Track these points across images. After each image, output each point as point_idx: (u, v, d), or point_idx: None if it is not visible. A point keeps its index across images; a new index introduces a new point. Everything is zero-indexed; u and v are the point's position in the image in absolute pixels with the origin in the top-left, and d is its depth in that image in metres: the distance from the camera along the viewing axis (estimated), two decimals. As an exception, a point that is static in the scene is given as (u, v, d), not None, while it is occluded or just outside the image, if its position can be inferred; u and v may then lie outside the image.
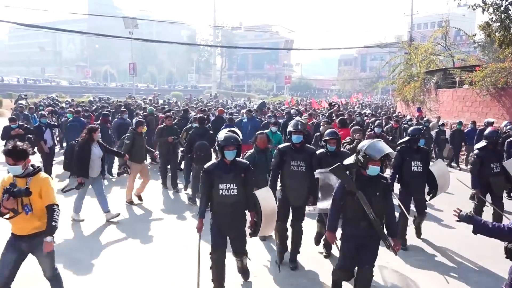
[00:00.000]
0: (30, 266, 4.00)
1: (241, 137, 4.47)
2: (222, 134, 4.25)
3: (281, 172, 5.05)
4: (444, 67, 17.98)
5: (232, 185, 4.11)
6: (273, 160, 5.20)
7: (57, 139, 13.54)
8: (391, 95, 42.60)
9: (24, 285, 4.32)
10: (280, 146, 5.24)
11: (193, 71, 79.71)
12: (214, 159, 4.52)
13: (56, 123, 12.67)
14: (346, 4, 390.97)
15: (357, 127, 8.16)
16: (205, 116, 9.78)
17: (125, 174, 7.71)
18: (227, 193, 4.10)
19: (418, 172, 5.81)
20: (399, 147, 6.17)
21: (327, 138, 5.29)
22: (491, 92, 12.97)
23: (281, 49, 62.83)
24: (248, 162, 4.53)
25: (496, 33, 11.34)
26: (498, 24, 11.15)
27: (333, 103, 14.29)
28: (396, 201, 5.25)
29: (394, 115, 17.06)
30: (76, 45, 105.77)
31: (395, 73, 22.50)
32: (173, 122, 9.85)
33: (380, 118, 13.68)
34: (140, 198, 8.08)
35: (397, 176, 5.97)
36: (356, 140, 7.22)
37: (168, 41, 42.57)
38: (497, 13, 10.92)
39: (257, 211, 4.32)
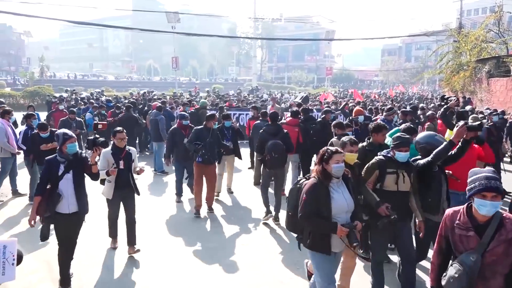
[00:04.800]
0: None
1: None
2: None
3: None
4: (497, 55, 17.02)
5: None
6: None
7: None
8: (438, 85, 40.92)
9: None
10: None
11: (234, 63, 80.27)
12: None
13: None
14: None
15: None
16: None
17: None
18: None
19: None
20: None
21: None
22: (550, 80, 12.14)
23: (322, 40, 61.81)
24: None
25: (557, 17, 10.56)
26: (560, 7, 10.37)
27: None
28: None
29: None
30: (121, 40, 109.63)
31: (442, 63, 21.58)
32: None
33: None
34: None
35: None
36: None
37: (209, 35, 43.20)
38: (558, -5, 10.15)
39: None
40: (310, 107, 12.19)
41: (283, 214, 6.79)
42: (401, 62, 77.20)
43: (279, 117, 7.95)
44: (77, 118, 10.24)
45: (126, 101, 16.55)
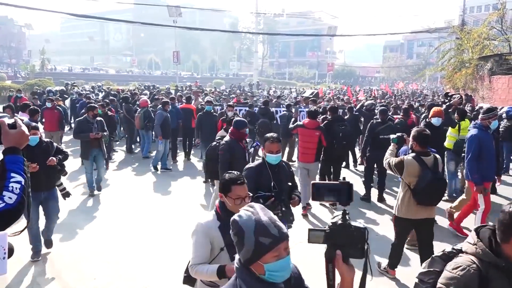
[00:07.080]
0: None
1: None
2: None
3: None
4: (499, 53, 16.98)
5: None
6: None
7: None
8: (440, 82, 40.87)
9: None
10: None
11: (235, 59, 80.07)
12: None
13: None
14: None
15: None
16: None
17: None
18: None
19: None
20: None
21: None
22: (552, 79, 12.11)
23: (323, 36, 61.63)
24: None
25: (561, 15, 10.51)
26: None
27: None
28: None
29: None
30: (123, 34, 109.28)
31: (444, 60, 21.55)
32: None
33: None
34: None
35: None
36: None
37: (211, 29, 42.93)
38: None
39: None
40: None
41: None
42: (403, 58, 77.07)
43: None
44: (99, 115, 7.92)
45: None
